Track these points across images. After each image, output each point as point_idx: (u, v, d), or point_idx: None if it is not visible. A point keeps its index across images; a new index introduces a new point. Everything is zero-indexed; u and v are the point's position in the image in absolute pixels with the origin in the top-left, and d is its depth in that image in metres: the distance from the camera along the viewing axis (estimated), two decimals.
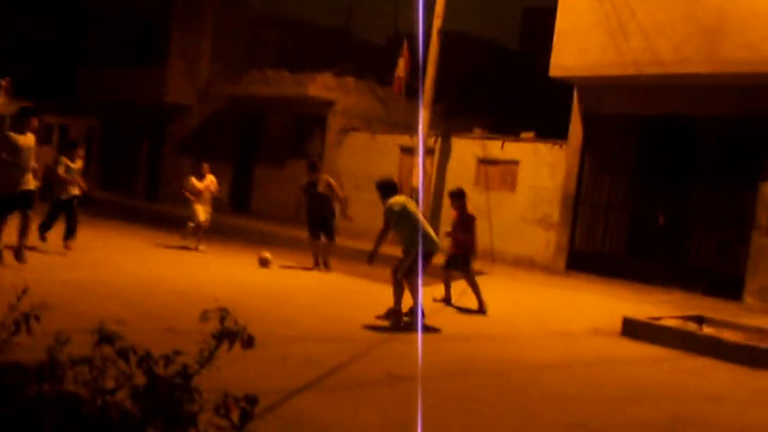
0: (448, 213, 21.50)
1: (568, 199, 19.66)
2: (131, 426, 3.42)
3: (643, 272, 18.08)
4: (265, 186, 28.92)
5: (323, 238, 16.88)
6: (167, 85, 31.59)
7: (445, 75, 22.38)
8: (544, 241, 20.37)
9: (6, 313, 3.98)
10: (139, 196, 32.88)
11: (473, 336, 11.68)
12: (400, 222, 11.71)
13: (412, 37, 22.03)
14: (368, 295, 14.05)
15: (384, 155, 24.84)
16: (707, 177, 17.58)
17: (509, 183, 21.49)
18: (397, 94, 25.16)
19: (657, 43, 17.18)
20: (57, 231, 15.22)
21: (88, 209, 15.69)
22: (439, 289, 14.18)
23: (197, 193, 18.14)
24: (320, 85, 26.78)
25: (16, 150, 12.68)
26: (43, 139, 29.58)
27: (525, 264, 20.45)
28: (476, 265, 14.77)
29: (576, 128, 19.65)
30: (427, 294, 12.71)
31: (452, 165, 22.85)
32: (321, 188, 16.87)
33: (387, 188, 12.26)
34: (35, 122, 13.29)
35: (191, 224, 18.09)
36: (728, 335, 12.06)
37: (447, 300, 14.05)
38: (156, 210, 28.50)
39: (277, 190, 27.87)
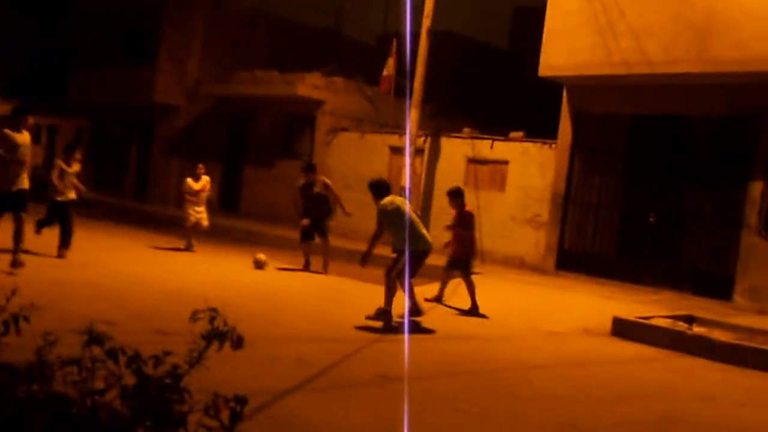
0: (437, 212, 21.58)
1: (558, 198, 19.67)
2: (121, 426, 3.40)
3: (633, 272, 18.09)
4: (255, 186, 28.88)
5: (318, 239, 16.85)
6: (156, 86, 31.48)
7: (435, 75, 22.37)
8: (534, 241, 20.38)
9: None
10: (127, 197, 32.80)
11: (463, 336, 11.69)
12: (393, 222, 11.69)
13: (401, 37, 22.01)
14: (357, 295, 14.06)
15: (373, 155, 24.83)
16: (697, 176, 17.61)
17: (499, 183, 21.50)
18: (387, 94, 25.15)
19: (646, 42, 17.19)
20: (52, 232, 15.10)
21: (79, 210, 15.57)
22: (430, 289, 14.18)
23: (194, 194, 18.17)
24: (309, 85, 26.74)
25: (13, 147, 12.62)
26: (32, 140, 29.44)
27: (515, 264, 20.46)
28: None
29: (565, 128, 19.66)
30: (418, 294, 12.70)
31: (442, 165, 22.85)
32: (317, 189, 16.84)
33: (380, 188, 12.25)
34: (31, 120, 13.24)
35: (188, 225, 18.13)
36: (718, 335, 12.09)
37: (438, 299, 14.07)
38: (145, 210, 28.44)
39: (267, 191, 27.85)
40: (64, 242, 14.86)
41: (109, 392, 3.53)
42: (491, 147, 21.79)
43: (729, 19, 16.15)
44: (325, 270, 16.54)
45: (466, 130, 23.08)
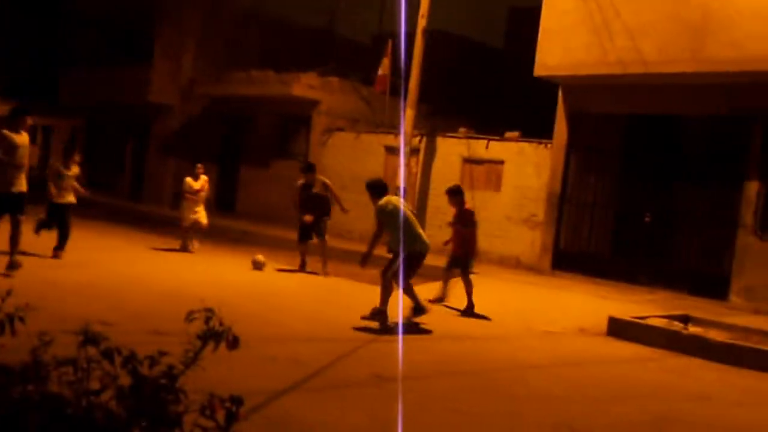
0: (432, 212, 21.60)
1: (554, 198, 19.67)
2: (116, 427, 3.39)
3: (629, 271, 18.10)
4: (251, 186, 28.86)
5: (315, 239, 16.78)
6: (151, 85, 31.41)
7: (430, 74, 22.36)
8: (530, 241, 20.38)
9: None
10: (122, 196, 32.74)
11: (459, 336, 11.68)
12: (391, 222, 11.67)
13: (396, 37, 22.01)
14: (353, 295, 14.05)
15: (369, 155, 24.83)
16: (692, 176, 17.62)
17: (494, 182, 21.50)
18: (382, 94, 25.15)
19: (642, 42, 17.20)
20: (50, 233, 15.09)
21: (75, 211, 15.53)
22: (429, 289, 14.15)
23: (194, 193, 18.19)
24: (305, 85, 26.72)
25: (12, 149, 12.53)
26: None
27: (510, 263, 20.46)
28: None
29: (561, 127, 19.67)
30: (419, 294, 12.68)
31: (437, 165, 22.84)
32: (317, 189, 16.80)
33: (377, 188, 12.24)
34: (29, 121, 13.16)
35: (186, 225, 18.14)
36: (714, 335, 12.09)
37: (441, 299, 14.05)
38: (140, 210, 28.42)
39: (263, 191, 27.84)
40: (61, 243, 14.86)
41: (104, 393, 3.52)
42: (487, 147, 21.79)
43: (724, 19, 16.16)
44: (324, 272, 16.45)
45: (462, 129, 23.08)
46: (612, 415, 7.90)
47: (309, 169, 17.18)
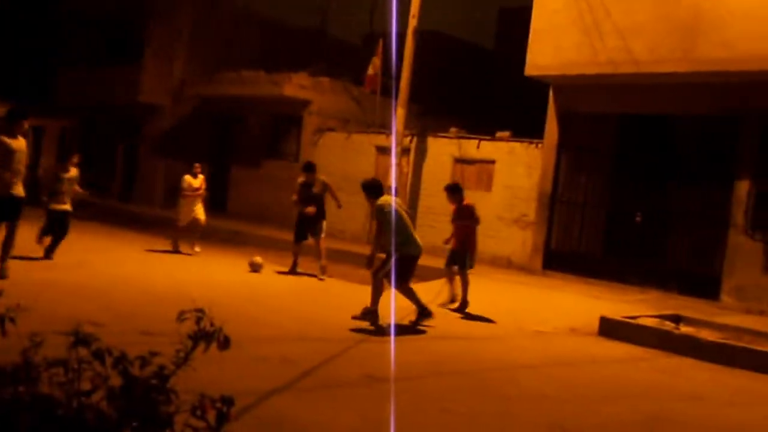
0: (424, 212, 21.63)
1: (545, 198, 19.69)
2: (107, 428, 3.38)
3: (620, 271, 18.12)
4: (242, 186, 28.83)
5: (311, 239, 16.69)
6: (141, 85, 31.35)
7: (421, 75, 22.38)
8: (521, 241, 20.39)
9: None
10: (114, 197, 32.68)
11: (451, 336, 11.67)
12: (387, 222, 11.63)
13: (387, 37, 22.02)
14: (344, 295, 14.05)
15: (360, 155, 24.82)
16: (684, 176, 17.63)
17: (485, 182, 21.51)
18: (371, 94, 25.16)
19: (632, 41, 17.23)
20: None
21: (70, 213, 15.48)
22: (425, 289, 14.10)
23: (194, 191, 18.21)
24: (295, 85, 26.71)
25: (8, 153, 12.33)
26: None
27: (502, 263, 20.46)
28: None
29: (552, 127, 19.69)
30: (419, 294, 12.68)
31: (428, 164, 22.84)
32: (316, 189, 16.73)
33: (373, 189, 12.22)
34: (25, 125, 12.98)
35: (182, 224, 18.13)
36: (706, 334, 12.11)
37: (453, 299, 13.98)
38: (131, 211, 28.37)
39: (254, 191, 27.83)
40: (53, 246, 14.80)
41: (95, 393, 3.51)
42: (478, 147, 21.81)
43: (716, 19, 16.19)
44: (322, 275, 16.29)
45: (453, 129, 23.09)
46: (603, 415, 7.91)
47: (309, 168, 17.09)
